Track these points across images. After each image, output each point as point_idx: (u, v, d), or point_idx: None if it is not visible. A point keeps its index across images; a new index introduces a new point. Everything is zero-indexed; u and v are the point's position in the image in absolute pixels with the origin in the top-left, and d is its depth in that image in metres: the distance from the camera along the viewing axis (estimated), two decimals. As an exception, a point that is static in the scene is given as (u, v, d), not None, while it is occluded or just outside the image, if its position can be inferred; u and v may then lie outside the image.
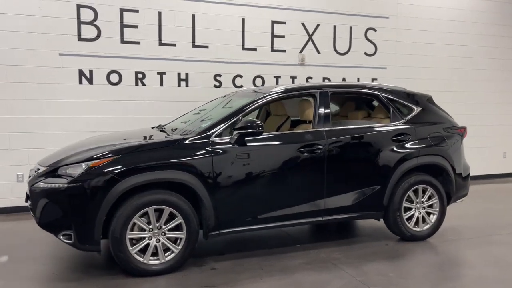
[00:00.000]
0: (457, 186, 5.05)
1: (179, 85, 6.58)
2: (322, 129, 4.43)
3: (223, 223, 4.04)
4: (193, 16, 6.57)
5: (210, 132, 4.04)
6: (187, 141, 3.96)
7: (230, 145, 4.02)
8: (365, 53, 7.71)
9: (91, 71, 6.13)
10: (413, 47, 8.01)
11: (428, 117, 5.00)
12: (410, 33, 7.97)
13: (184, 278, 3.78)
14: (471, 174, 5.33)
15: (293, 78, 7.23)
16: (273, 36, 7.07)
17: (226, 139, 4.05)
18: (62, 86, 6.00)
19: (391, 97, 4.90)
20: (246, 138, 4.05)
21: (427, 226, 4.91)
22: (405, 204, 4.78)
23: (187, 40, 6.58)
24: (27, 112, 5.87)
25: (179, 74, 6.57)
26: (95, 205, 3.60)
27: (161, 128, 4.76)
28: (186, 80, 6.62)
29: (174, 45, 6.51)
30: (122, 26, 6.22)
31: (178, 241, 3.90)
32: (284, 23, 7.11)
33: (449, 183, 4.98)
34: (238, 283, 3.70)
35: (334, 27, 7.44)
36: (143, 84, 6.40)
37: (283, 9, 7.08)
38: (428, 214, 4.92)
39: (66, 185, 3.59)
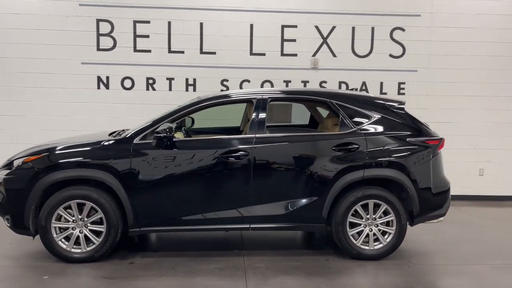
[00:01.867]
0: (424, 204, 4.49)
1: (187, 89, 6.97)
2: (252, 135, 4.38)
3: (143, 222, 4.29)
4: (201, 24, 6.90)
5: (134, 135, 4.33)
6: (110, 143, 4.31)
7: (150, 149, 4.26)
8: (391, 55, 7.14)
9: (107, 78, 6.88)
10: (451, 46, 7.15)
11: (390, 126, 4.53)
12: (448, 31, 7.13)
13: (96, 267, 4.15)
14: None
15: (305, 82, 7.07)
16: (283, 40, 7.02)
17: (148, 143, 4.30)
18: (83, 91, 6.86)
19: (344, 104, 4.58)
20: (167, 143, 4.24)
21: (380, 245, 4.47)
22: (352, 219, 4.43)
23: (195, 47, 6.93)
24: (55, 113, 6.85)
25: (187, 80, 6.97)
26: (24, 196, 4.16)
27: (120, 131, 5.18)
28: (194, 85, 6.98)
29: (182, 52, 6.93)
30: (135, 36, 6.85)
31: (100, 234, 4.28)
32: (295, 26, 7.00)
33: (410, 199, 4.46)
34: (137, 278, 3.92)
35: (353, 28, 7.06)
36: (153, 89, 6.95)
37: (294, 12, 6.98)
38: (384, 232, 4.48)
39: (4, 177, 4.24)
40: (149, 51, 6.89)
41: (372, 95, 4.86)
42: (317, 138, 4.48)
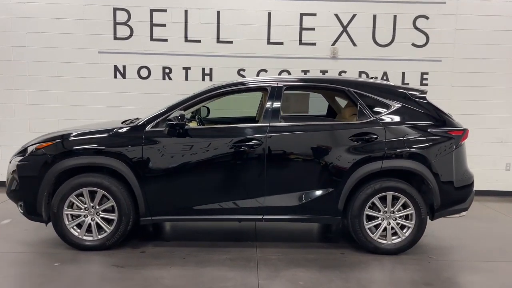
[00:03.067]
0: (445, 198, 4.30)
1: (203, 79, 6.88)
2: (266, 124, 4.26)
3: (154, 210, 4.24)
4: (218, 12, 6.79)
5: (146, 123, 4.27)
6: (123, 130, 4.26)
7: (162, 137, 4.19)
8: (413, 44, 6.88)
9: (124, 67, 6.85)
10: (478, 35, 6.84)
11: (410, 116, 4.35)
12: (475, 19, 6.82)
13: (108, 255, 4.11)
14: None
15: (324, 72, 6.89)
16: (301, 29, 6.84)
17: (160, 130, 4.22)
18: (100, 80, 6.85)
19: (363, 92, 4.41)
20: (179, 131, 4.16)
21: (398, 239, 4.31)
22: (369, 212, 4.27)
23: (212, 36, 6.83)
24: (72, 102, 6.86)
25: (203, 69, 6.88)
26: (36, 183, 4.15)
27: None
28: (210, 74, 6.89)
29: (199, 41, 6.83)
30: (152, 25, 6.79)
31: (112, 222, 4.24)
32: (314, 15, 6.82)
33: (430, 192, 4.27)
34: (147, 267, 3.87)
35: (374, 16, 6.83)
36: (170, 79, 6.89)
37: (314, 0, 6.79)
38: (403, 226, 4.31)
39: (17, 163, 4.24)
40: (166, 40, 6.82)
41: (392, 84, 4.67)
42: (334, 127, 4.33)
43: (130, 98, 6.88)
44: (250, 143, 4.17)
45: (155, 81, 6.89)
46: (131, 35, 6.80)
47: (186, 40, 6.83)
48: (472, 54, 6.87)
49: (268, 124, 4.25)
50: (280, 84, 4.42)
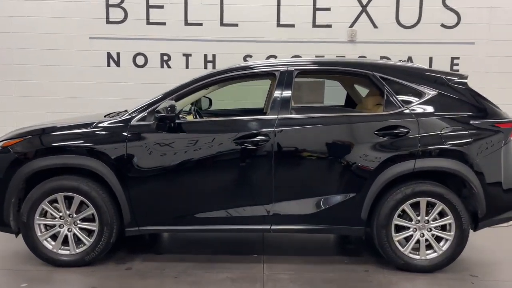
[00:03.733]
0: (492, 204, 3.55)
1: (205, 67, 6.17)
2: (274, 116, 3.54)
3: (142, 219, 3.57)
4: (222, -9, 6.07)
5: (132, 115, 3.59)
6: (103, 124, 3.58)
7: (150, 133, 3.51)
8: (443, 25, 6.08)
9: (118, 54, 6.18)
10: (518, 13, 6.01)
11: (448, 105, 3.60)
12: (515, -5, 6.00)
13: (87, 273, 3.46)
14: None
15: (340, 57, 6.12)
16: (315, 9, 6.08)
17: (147, 125, 3.54)
18: (92, 69, 6.18)
19: (390, 77, 3.66)
20: (169, 124, 3.47)
21: (434, 254, 3.58)
22: (398, 221, 3.55)
23: (215, 19, 6.11)
24: (62, 93, 6.21)
25: (205, 56, 6.17)
26: (2, 187, 3.51)
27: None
28: (213, 61, 6.18)
29: (200, 24, 6.12)
30: (148, 7, 6.09)
31: (92, 233, 3.59)
32: (330, -7, 6.06)
33: (473, 198, 3.53)
34: (130, 290, 3.21)
35: (398, -6, 6.04)
36: (169, 67, 6.20)
37: (329, -24, 6.03)
38: (439, 238, 3.58)
39: (-19, 164, 3.60)
40: (164, 23, 6.12)
41: (426, 67, 3.91)
42: (356, 120, 3.59)
43: (126, 88, 6.21)
44: (255, 139, 3.47)
45: (152, 70, 6.20)
46: (125, 18, 6.11)
47: (186, 23, 6.12)
48: (510, 36, 6.03)
49: (276, 116, 3.54)
50: (291, 68, 3.69)
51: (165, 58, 6.19)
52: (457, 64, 6.09)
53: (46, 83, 6.19)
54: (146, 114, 3.58)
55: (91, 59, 6.16)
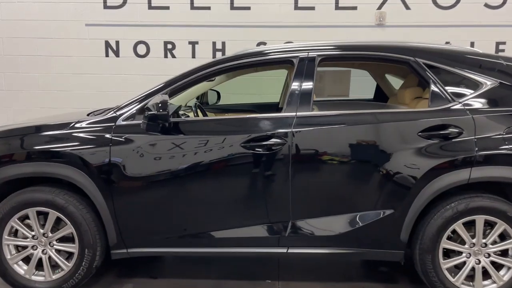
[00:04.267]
0: None
1: (214, 56, 5.51)
2: (292, 114, 2.85)
3: (130, 240, 2.94)
4: (232, -30, 5.38)
5: (118, 114, 2.95)
6: (81, 125, 2.94)
7: (139, 134, 2.86)
8: (486, 5, 5.27)
9: (117, 43, 5.56)
10: None
11: (510, 99, 2.86)
12: None
13: (63, 307, 2.84)
14: None
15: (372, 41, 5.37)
16: (338, -12, 5.35)
17: (136, 125, 2.89)
18: (89, 60, 5.59)
19: (437, 64, 2.92)
20: (162, 124, 2.81)
21: (493, 286, 2.85)
22: (447, 244, 2.83)
23: (224, 1, 5.43)
24: (56, 87, 5.65)
25: (214, 43, 5.50)
26: (-37, 200, 2.92)
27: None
28: (223, 50, 5.51)
29: (208, 8, 5.45)
30: (150, -12, 5.45)
31: (72, 256, 2.97)
32: (355, -31, 5.31)
33: (545, 217, 2.78)
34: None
35: (434, -31, 5.26)
36: (173, 56, 5.56)
37: (354, -50, 5.27)
38: (499, 266, 2.86)
39: None
40: (167, 7, 5.47)
41: (481, 51, 3.16)
42: (394, 118, 2.86)
43: (126, 81, 5.60)
44: (268, 142, 2.78)
45: (155, 60, 5.58)
46: (124, 2, 5.49)
47: (192, 7, 5.46)
48: None
49: (294, 114, 2.84)
50: (313, 54, 2.98)
51: (169, 46, 5.54)
52: (503, 50, 5.31)
53: (38, 76, 5.62)
54: (135, 111, 2.94)
55: (88, 48, 5.58)
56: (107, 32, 5.54)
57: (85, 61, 5.58)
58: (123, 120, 2.91)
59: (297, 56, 2.98)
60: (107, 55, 5.58)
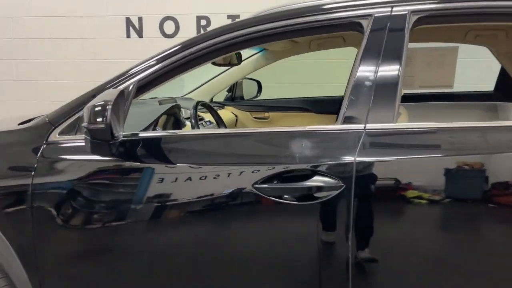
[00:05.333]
0: None
1: (260, 34, 4.18)
2: (358, 127, 1.43)
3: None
4: None
5: (51, 122, 1.73)
6: (-4, 140, 1.77)
7: (81, 155, 1.62)
8: None
9: (140, 19, 4.42)
10: None
11: None
12: None
13: None
14: None
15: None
16: None
17: (77, 139, 1.65)
18: (108, 42, 4.51)
19: None
20: (112, 143, 1.53)
21: None
22: None
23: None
24: (68, 76, 4.64)
25: (259, 17, 4.17)
26: None
27: None
28: (272, 25, 4.15)
29: (253, -30, 4.12)
30: None
31: None
32: None
33: None
34: None
35: None
36: (208, 35, 4.32)
37: None
38: None
39: None
40: (201, -29, 4.23)
41: None
42: None
43: (150, 68, 4.46)
44: (307, 183, 1.39)
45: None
46: (148, -33, 4.33)
47: (233, -31, 4.17)
48: None
49: (362, 126, 1.43)
50: (400, 8, 1.53)
51: (203, 22, 4.31)
52: None
53: (47, 63, 4.67)
54: (73, 118, 1.69)
55: (106, 28, 4.52)
56: (128, 6, 4.41)
57: (101, 44, 4.50)
58: (59, 134, 1.68)
59: (370, 15, 1.55)
60: (128, 36, 4.46)
